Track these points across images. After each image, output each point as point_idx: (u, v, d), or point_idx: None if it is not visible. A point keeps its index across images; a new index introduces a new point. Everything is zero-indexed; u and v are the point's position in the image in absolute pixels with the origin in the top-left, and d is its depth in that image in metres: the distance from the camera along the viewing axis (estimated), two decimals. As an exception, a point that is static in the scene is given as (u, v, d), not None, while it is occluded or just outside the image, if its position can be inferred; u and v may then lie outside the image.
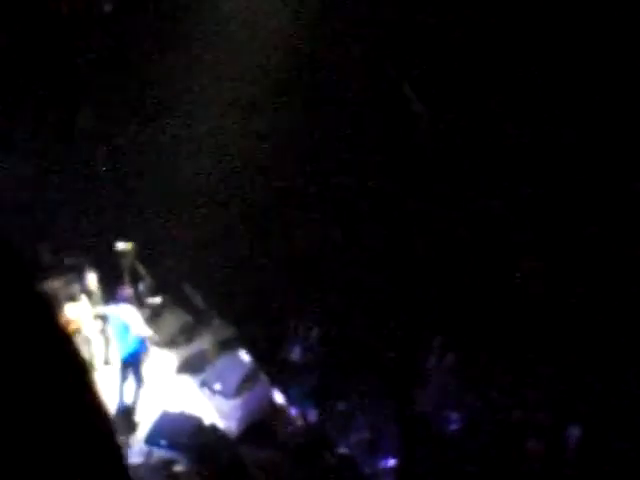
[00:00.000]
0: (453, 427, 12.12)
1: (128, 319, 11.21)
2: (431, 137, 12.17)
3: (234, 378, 12.20)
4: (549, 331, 11.93)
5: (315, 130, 12.79)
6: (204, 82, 12.87)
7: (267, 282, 12.86)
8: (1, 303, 0.75)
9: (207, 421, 11.41)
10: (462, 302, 12.44)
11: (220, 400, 12.09)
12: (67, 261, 12.97)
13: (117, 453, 0.74)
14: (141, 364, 11.45)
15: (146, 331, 11.44)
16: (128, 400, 11.42)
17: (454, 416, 12.10)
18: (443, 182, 12.45)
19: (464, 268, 12.51)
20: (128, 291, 11.77)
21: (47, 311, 0.79)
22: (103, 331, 12.08)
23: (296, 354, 12.99)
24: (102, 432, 0.76)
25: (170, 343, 12.88)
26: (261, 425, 11.97)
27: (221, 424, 11.66)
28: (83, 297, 12.31)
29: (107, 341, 12.16)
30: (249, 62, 12.80)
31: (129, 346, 11.23)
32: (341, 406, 12.61)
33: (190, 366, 12.57)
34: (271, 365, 12.61)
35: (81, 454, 0.69)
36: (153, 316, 12.79)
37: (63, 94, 12.97)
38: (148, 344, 11.85)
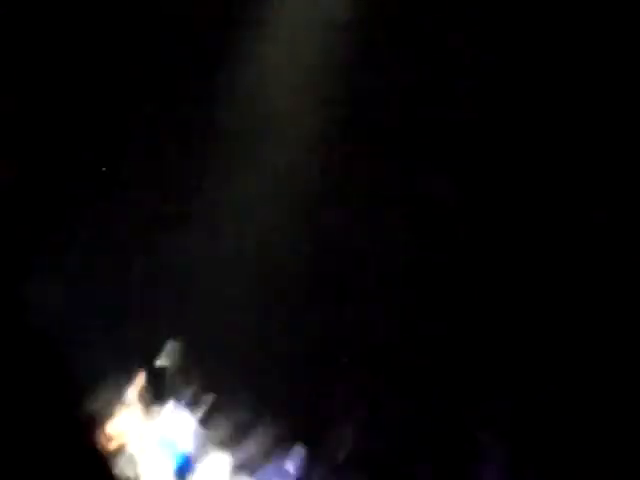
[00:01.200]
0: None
1: (173, 434, 11.20)
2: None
3: (290, 476, 12.23)
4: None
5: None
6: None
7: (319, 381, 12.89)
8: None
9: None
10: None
11: (277, 499, 12.13)
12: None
13: None
14: None
15: (192, 445, 11.37)
16: None
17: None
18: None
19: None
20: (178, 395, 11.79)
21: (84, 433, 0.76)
22: (148, 448, 12.00)
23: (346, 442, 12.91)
24: None
25: (224, 444, 12.91)
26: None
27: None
28: (128, 408, 12.24)
29: (153, 459, 12.08)
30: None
31: (175, 464, 11.21)
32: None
33: (244, 468, 12.59)
34: (325, 458, 12.60)
35: None
36: (206, 417, 12.83)
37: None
38: (194, 461, 11.79)
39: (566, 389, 12.06)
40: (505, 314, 12.49)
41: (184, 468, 11.37)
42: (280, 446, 12.67)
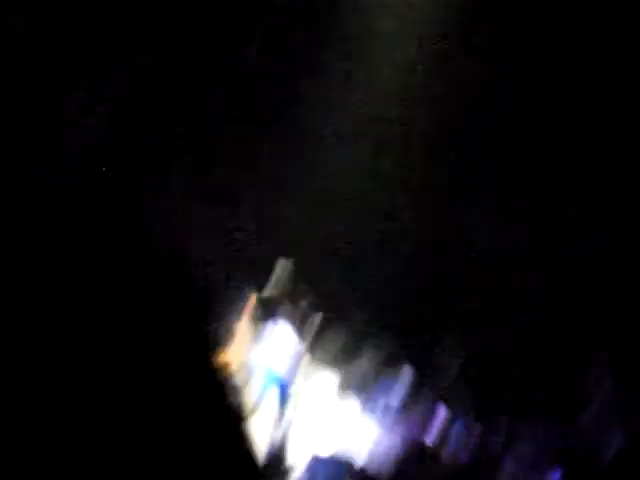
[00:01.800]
0: (614, 450, 12.22)
1: (279, 358, 11.27)
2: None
3: (398, 396, 12.44)
4: None
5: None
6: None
7: (423, 295, 12.85)
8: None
9: (362, 460, 11.62)
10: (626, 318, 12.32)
11: (384, 419, 12.37)
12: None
13: None
14: (285, 407, 11.51)
15: (291, 372, 11.46)
16: (277, 445, 11.55)
17: (617, 440, 12.17)
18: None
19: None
20: (289, 309, 11.84)
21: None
22: (253, 374, 12.11)
23: (453, 367, 13.08)
24: None
25: (333, 362, 13.06)
26: (424, 458, 12.22)
27: (378, 459, 11.87)
28: (240, 333, 12.33)
29: (257, 384, 12.21)
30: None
31: (273, 388, 11.33)
32: (503, 420, 12.77)
33: (353, 386, 12.79)
34: (432, 380, 12.77)
35: None
36: (315, 336, 12.93)
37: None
38: (291, 388, 11.88)
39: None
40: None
41: (283, 395, 11.49)
42: (389, 366, 12.81)
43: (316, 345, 12.86)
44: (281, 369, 11.55)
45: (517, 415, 12.64)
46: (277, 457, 11.49)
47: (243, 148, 12.47)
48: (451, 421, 12.59)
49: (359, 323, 12.99)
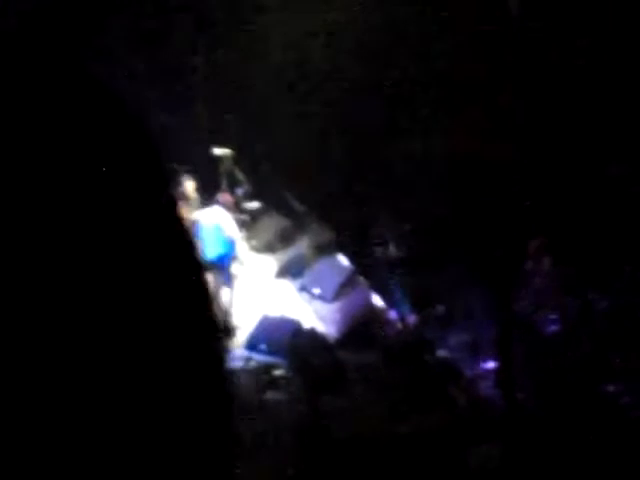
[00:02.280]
0: (552, 329, 12.20)
1: (220, 221, 11.24)
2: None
3: (333, 282, 12.27)
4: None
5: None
6: None
7: (362, 185, 12.86)
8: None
9: (306, 325, 11.46)
10: (560, 204, 12.52)
11: (319, 304, 12.16)
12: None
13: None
14: (229, 268, 11.39)
15: (237, 233, 11.40)
16: (224, 305, 11.41)
17: (553, 318, 12.17)
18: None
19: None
20: (227, 197, 11.80)
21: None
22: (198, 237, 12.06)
23: (391, 253, 12.93)
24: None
25: (268, 248, 12.93)
26: (360, 329, 12.01)
27: (320, 328, 11.70)
28: (181, 204, 12.32)
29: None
30: None
31: (220, 248, 11.26)
32: (440, 308, 12.67)
33: (289, 271, 12.62)
34: (369, 268, 12.64)
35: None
36: (251, 221, 12.84)
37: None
38: (238, 248, 11.82)
39: None
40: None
41: (228, 253, 11.37)
42: (326, 250, 12.70)
43: (253, 230, 12.76)
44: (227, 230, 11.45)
45: (453, 302, 12.57)
46: (224, 314, 11.26)
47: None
48: (386, 309, 12.44)
49: (297, 211, 12.96)
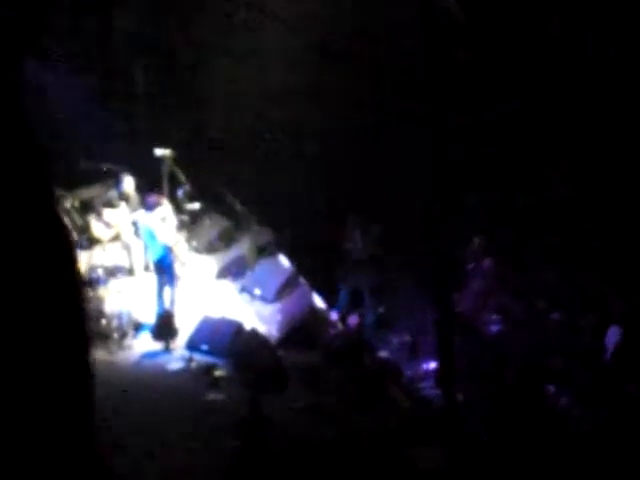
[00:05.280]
0: (493, 329, 12.30)
1: (153, 226, 11.16)
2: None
3: (274, 283, 12.26)
4: (589, 237, 12.17)
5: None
6: None
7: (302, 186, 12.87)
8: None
9: (248, 326, 11.43)
10: (502, 204, 12.62)
11: (260, 304, 12.15)
12: (105, 167, 12.78)
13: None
14: (171, 270, 11.33)
15: (170, 239, 11.31)
16: (166, 305, 11.37)
17: (493, 319, 12.27)
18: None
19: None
20: (154, 198, 11.69)
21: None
22: (138, 237, 12.00)
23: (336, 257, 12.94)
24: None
25: (209, 249, 12.89)
26: (301, 329, 12.01)
27: (262, 328, 11.68)
28: (122, 203, 12.27)
29: (145, 247, 12.05)
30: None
31: (156, 252, 11.21)
32: (381, 309, 12.72)
33: (230, 271, 12.59)
34: (310, 269, 12.64)
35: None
36: (192, 222, 12.78)
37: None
38: (178, 249, 11.75)
39: None
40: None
41: (164, 257, 11.28)
42: (267, 251, 12.69)
43: (194, 230, 12.70)
44: (161, 236, 11.36)
45: (395, 303, 12.63)
46: (166, 315, 11.18)
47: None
48: (327, 310, 12.47)
49: (238, 212, 12.92)
